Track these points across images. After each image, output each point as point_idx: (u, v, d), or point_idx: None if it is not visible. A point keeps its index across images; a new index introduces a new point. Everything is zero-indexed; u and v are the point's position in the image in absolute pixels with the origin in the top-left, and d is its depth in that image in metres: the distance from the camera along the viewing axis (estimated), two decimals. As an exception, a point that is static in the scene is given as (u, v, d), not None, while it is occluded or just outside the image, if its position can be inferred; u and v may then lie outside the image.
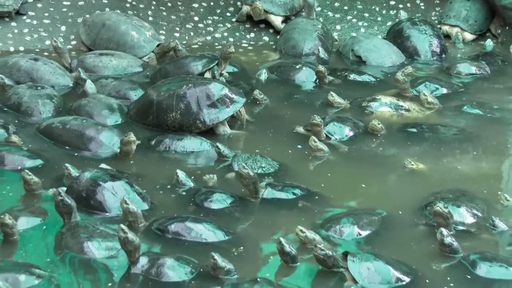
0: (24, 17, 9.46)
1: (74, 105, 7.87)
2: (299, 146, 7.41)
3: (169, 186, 6.66)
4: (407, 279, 5.55)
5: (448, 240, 5.82)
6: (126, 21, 9.21)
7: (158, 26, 9.51)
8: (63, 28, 9.50)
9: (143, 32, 9.12)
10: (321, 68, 8.69)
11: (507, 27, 9.90)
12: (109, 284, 5.52)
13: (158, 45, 9.04)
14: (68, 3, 9.72)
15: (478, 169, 7.20)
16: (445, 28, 10.05)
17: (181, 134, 7.40)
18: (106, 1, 9.86)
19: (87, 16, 9.38)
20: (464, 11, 10.08)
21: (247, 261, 5.76)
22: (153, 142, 7.29)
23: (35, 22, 9.45)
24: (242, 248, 5.82)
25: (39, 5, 9.61)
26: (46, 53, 8.90)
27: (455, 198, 6.46)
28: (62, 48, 8.73)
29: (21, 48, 9.16)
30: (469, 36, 10.02)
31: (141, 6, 9.89)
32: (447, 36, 9.98)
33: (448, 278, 5.61)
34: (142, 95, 7.85)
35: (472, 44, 9.95)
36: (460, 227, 6.15)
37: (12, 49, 9.15)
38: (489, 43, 9.80)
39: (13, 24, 9.35)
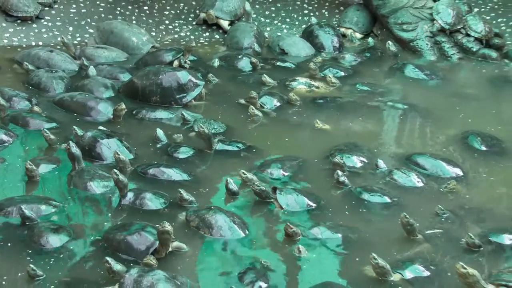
0: (42, 20, 9.31)
1: (79, 84, 7.79)
2: (242, 115, 7.41)
3: (148, 142, 6.65)
4: (315, 205, 5.69)
5: (342, 179, 5.97)
6: (128, 29, 9.10)
7: (139, 27, 9.37)
8: (70, 28, 9.37)
9: (141, 38, 9.04)
10: (254, 59, 8.69)
11: (384, 29, 9.98)
12: (106, 212, 5.55)
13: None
14: (74, 10, 9.59)
15: (365, 128, 7.31)
16: (342, 29, 10.10)
17: (155, 106, 7.35)
18: (102, 9, 9.71)
19: (100, 23, 9.31)
20: (355, 17, 10.14)
21: (204, 194, 5.81)
22: (135, 112, 7.23)
23: (50, 24, 9.30)
24: (208, 191, 5.85)
25: (53, 12, 9.49)
26: (58, 47, 8.78)
27: (349, 149, 6.57)
28: (67, 43, 8.65)
29: (40, 43, 9.01)
30: (359, 35, 10.08)
31: (127, 13, 9.77)
32: (344, 35, 10.02)
33: (342, 203, 5.76)
34: (129, 81, 7.77)
35: (361, 41, 10.01)
36: (352, 170, 6.26)
37: (33, 43, 9.01)
38: (371, 40, 9.89)
39: (34, 25, 9.19)
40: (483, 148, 6.80)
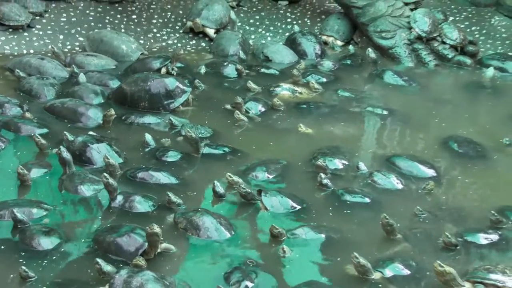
0: (33, 29, 9.22)
1: (69, 90, 7.72)
2: (228, 120, 7.40)
3: (136, 146, 6.62)
4: (299, 206, 5.70)
5: (324, 181, 5.98)
6: (118, 37, 9.04)
7: (128, 36, 9.33)
8: (61, 36, 9.29)
9: (130, 45, 8.98)
10: (239, 66, 8.69)
11: (364, 37, 10.03)
12: (96, 214, 5.52)
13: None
14: (64, 19, 9.51)
15: (346, 132, 7.34)
16: (324, 37, 10.12)
17: (143, 112, 7.31)
18: (91, 18, 9.66)
19: (90, 33, 9.22)
20: (336, 25, 10.18)
21: (192, 197, 5.80)
22: (124, 117, 7.19)
23: (41, 32, 9.22)
24: (195, 194, 5.83)
25: (44, 20, 9.41)
26: (49, 54, 8.69)
27: (331, 152, 6.59)
28: (57, 52, 8.57)
29: (31, 51, 8.92)
30: (340, 43, 10.12)
31: (116, 21, 9.72)
32: (325, 43, 10.04)
33: (325, 204, 5.78)
34: (118, 87, 7.72)
35: (342, 48, 10.04)
36: (334, 172, 6.28)
37: (25, 51, 8.91)
38: (351, 48, 9.91)
39: (25, 34, 9.11)
40: (459, 150, 6.86)
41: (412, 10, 10.02)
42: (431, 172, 6.35)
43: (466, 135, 7.20)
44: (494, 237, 5.36)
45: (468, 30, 10.25)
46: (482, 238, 5.34)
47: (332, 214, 5.64)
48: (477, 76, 9.19)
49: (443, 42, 9.60)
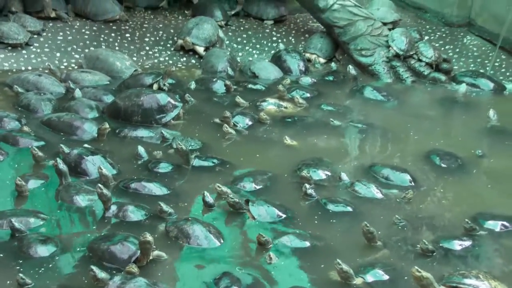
0: (31, 47, 9.18)
1: (65, 105, 7.68)
2: (218, 134, 7.40)
3: (130, 158, 6.59)
4: (285, 215, 5.69)
5: (309, 191, 5.99)
6: (113, 55, 9.01)
7: (123, 53, 9.32)
8: (58, 54, 9.26)
9: (124, 62, 8.96)
10: (228, 82, 8.70)
11: (345, 55, 10.08)
12: (91, 223, 5.48)
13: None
14: (61, 38, 9.49)
15: (328, 144, 7.36)
16: (307, 55, 10.14)
17: (136, 126, 7.28)
18: (87, 37, 9.64)
19: (86, 51, 9.23)
20: (319, 44, 10.22)
21: (182, 207, 5.78)
22: (117, 131, 7.16)
23: (39, 50, 9.18)
24: (186, 204, 5.81)
25: (41, 39, 9.37)
26: (46, 71, 8.62)
27: (315, 164, 6.60)
28: (54, 69, 8.52)
29: (29, 68, 8.87)
30: (322, 60, 10.14)
31: (111, 39, 9.71)
32: (309, 60, 10.06)
33: (309, 213, 5.78)
34: (112, 102, 7.68)
35: (324, 65, 10.08)
36: (318, 183, 6.29)
37: (23, 68, 8.86)
38: (334, 65, 9.96)
39: (24, 51, 9.07)
40: (436, 162, 6.89)
41: (390, 29, 10.11)
42: (407, 180, 6.39)
43: (442, 147, 7.24)
44: (468, 243, 5.39)
45: (442, 48, 10.35)
46: (457, 245, 5.36)
47: (316, 222, 5.64)
48: (451, 92, 9.27)
49: (419, 60, 9.68)
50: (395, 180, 6.39)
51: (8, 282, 4.61)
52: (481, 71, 9.78)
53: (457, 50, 10.42)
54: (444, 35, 10.83)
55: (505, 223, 5.72)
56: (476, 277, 4.72)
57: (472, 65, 10.03)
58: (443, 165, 6.83)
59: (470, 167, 6.84)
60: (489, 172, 6.82)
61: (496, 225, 5.69)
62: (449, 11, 11.18)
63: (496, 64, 9.90)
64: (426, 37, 10.60)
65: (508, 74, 9.70)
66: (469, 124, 8.22)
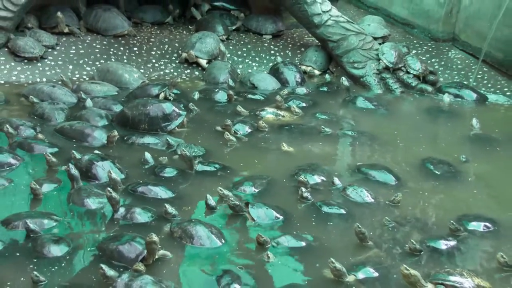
0: (46, 60, 9.18)
1: (77, 114, 7.67)
2: (220, 141, 7.39)
3: (137, 164, 6.59)
4: (282, 217, 5.68)
5: (305, 194, 5.98)
6: (122, 68, 9.01)
7: (131, 66, 9.34)
8: (70, 66, 9.26)
9: (133, 75, 8.96)
10: (229, 92, 8.70)
11: (338, 67, 10.07)
12: (100, 225, 5.47)
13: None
14: (74, 51, 9.50)
15: (323, 150, 7.34)
16: (303, 67, 10.14)
17: (143, 133, 7.28)
18: (97, 50, 9.65)
19: (97, 64, 9.24)
20: (314, 57, 10.22)
21: (186, 209, 5.77)
22: (126, 138, 7.16)
23: (53, 63, 9.19)
24: (189, 206, 5.80)
25: (55, 52, 9.37)
26: (60, 82, 8.63)
27: (311, 169, 6.60)
28: (66, 81, 8.54)
29: (44, 79, 8.88)
30: (317, 72, 10.14)
31: (119, 53, 9.72)
32: (305, 72, 10.06)
33: (305, 215, 5.77)
34: (120, 111, 7.68)
35: (319, 77, 10.07)
36: (314, 187, 6.29)
37: (38, 80, 8.86)
38: (328, 76, 9.96)
39: (39, 64, 9.07)
40: (425, 168, 6.88)
41: (380, 44, 10.15)
42: (393, 180, 6.45)
43: (428, 153, 7.24)
44: (453, 243, 5.39)
45: (429, 61, 10.38)
46: (443, 244, 5.36)
47: (312, 224, 5.64)
48: (437, 102, 9.28)
49: (407, 72, 9.70)
50: (382, 179, 6.47)
51: (23, 279, 4.62)
52: (465, 82, 9.79)
53: (443, 63, 10.44)
54: (430, 49, 10.86)
55: (487, 224, 5.73)
56: (460, 274, 4.73)
57: (456, 77, 10.05)
58: (430, 170, 6.82)
59: (455, 172, 6.84)
60: (472, 177, 6.82)
61: (479, 226, 5.69)
62: (435, 27, 11.22)
63: (479, 76, 9.93)
64: (414, 51, 10.63)
65: (490, 85, 9.72)
66: (453, 132, 8.23)
